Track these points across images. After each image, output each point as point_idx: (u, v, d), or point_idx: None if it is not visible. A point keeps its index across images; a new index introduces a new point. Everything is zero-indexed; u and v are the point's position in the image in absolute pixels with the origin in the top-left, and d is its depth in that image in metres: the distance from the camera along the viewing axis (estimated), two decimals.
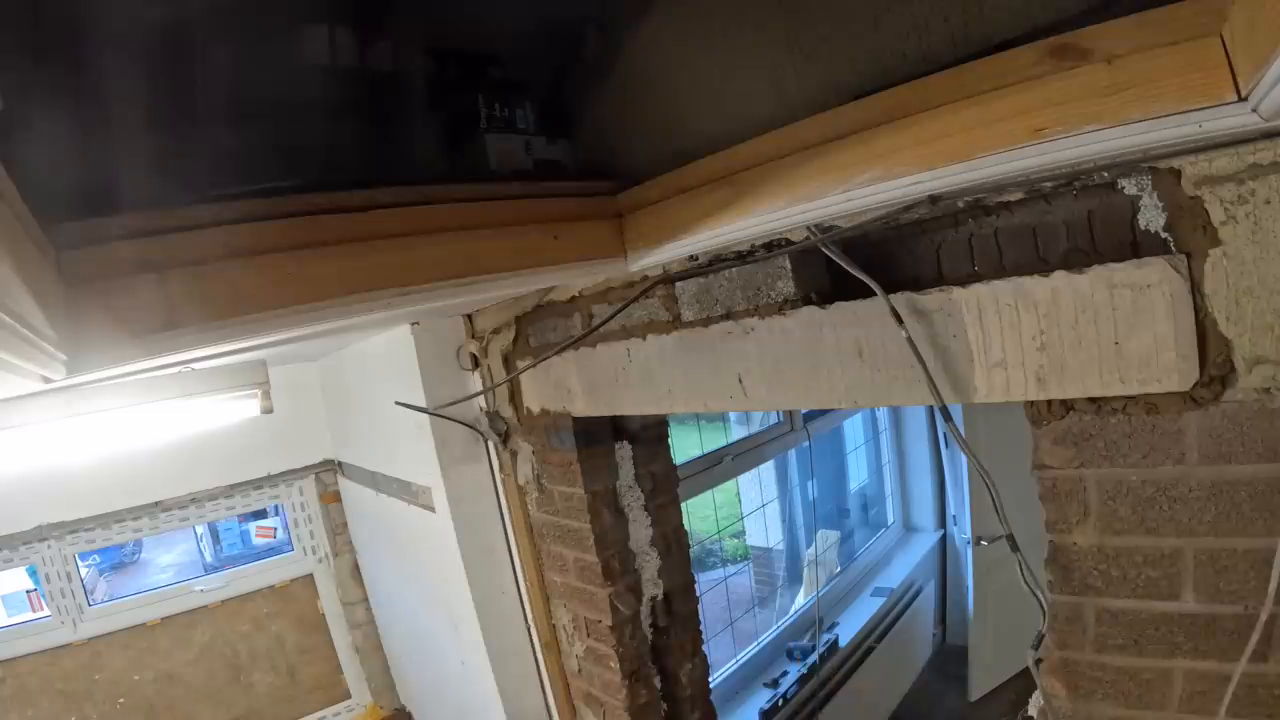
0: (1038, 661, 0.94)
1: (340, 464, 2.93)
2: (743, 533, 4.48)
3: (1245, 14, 0.52)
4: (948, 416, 0.90)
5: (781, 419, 3.26)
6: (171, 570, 6.90)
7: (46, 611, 2.51)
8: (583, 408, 1.56)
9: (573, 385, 1.55)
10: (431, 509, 1.95)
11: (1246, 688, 0.75)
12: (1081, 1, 0.70)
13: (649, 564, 1.74)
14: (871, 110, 0.80)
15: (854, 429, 4.26)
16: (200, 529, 6.70)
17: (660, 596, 1.76)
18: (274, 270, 0.82)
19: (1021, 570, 0.90)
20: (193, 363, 1.21)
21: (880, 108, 0.80)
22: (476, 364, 1.86)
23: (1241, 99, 0.56)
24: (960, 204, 0.89)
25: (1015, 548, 0.91)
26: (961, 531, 3.69)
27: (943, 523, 4.16)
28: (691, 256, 1.14)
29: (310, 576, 2.97)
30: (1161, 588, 0.81)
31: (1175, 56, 0.59)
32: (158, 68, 0.92)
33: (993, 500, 0.93)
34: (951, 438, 1.01)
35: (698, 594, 1.91)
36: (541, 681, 2.00)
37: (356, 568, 3.03)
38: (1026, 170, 0.73)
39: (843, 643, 3.25)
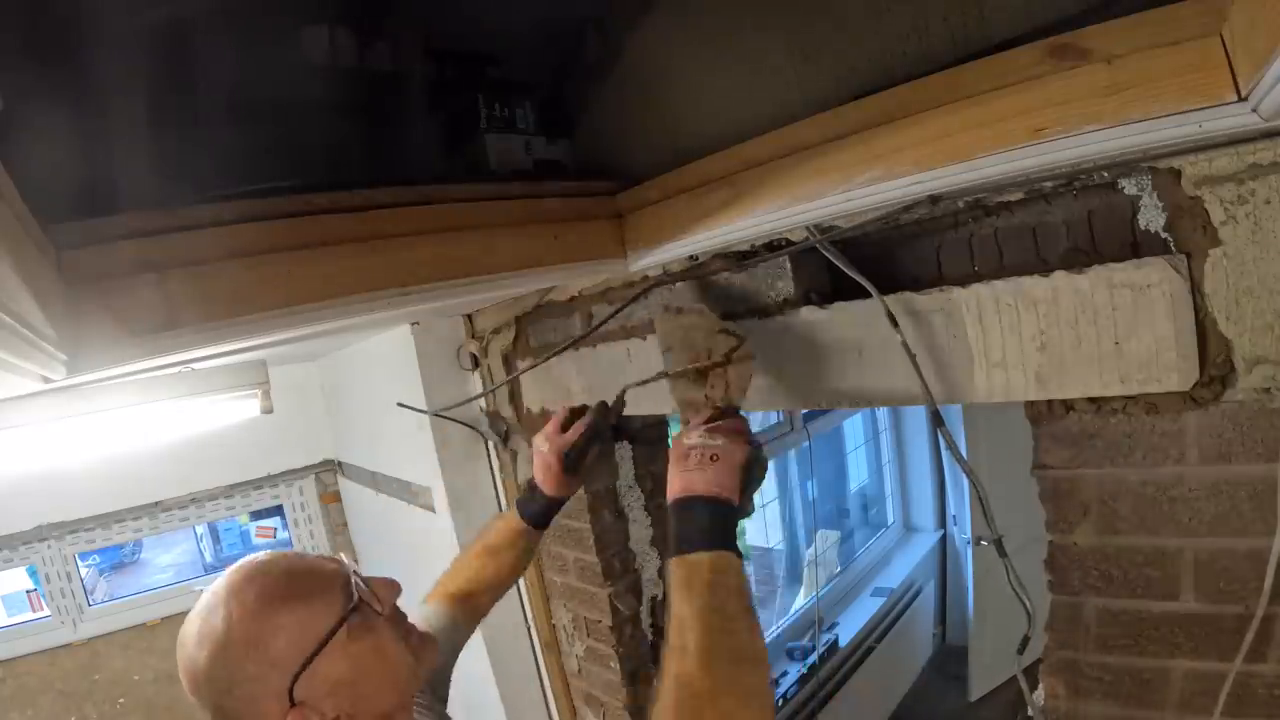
0: (1026, 668, 0.93)
1: (340, 464, 2.93)
2: (743, 533, 4.48)
3: (1245, 14, 0.52)
4: (940, 422, 0.90)
5: (781, 419, 3.26)
6: (171, 570, 6.89)
7: (46, 611, 2.52)
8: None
9: (573, 385, 1.55)
10: (431, 509, 1.95)
11: (1245, 687, 0.75)
12: (1081, 1, 0.70)
13: (649, 564, 1.74)
14: (871, 110, 0.80)
15: (854, 429, 4.26)
16: (200, 529, 6.70)
17: (661, 597, 1.76)
18: (274, 270, 0.82)
19: (1009, 575, 0.90)
20: (193, 363, 1.21)
21: (880, 108, 0.79)
22: (476, 364, 1.86)
23: (1241, 99, 0.56)
24: (960, 204, 0.89)
25: (1003, 553, 0.91)
26: (961, 531, 3.69)
27: (943, 523, 4.17)
28: (691, 256, 1.14)
29: None
30: (1161, 588, 0.81)
31: (1175, 56, 0.59)
32: (158, 67, 0.92)
33: (983, 507, 0.93)
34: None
35: None
36: (541, 681, 2.00)
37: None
38: (1026, 170, 0.73)
39: (843, 643, 3.25)
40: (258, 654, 0.65)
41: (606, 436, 1.17)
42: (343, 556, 0.79)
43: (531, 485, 1.17)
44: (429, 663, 0.78)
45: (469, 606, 1.12)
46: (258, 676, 0.65)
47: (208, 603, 0.68)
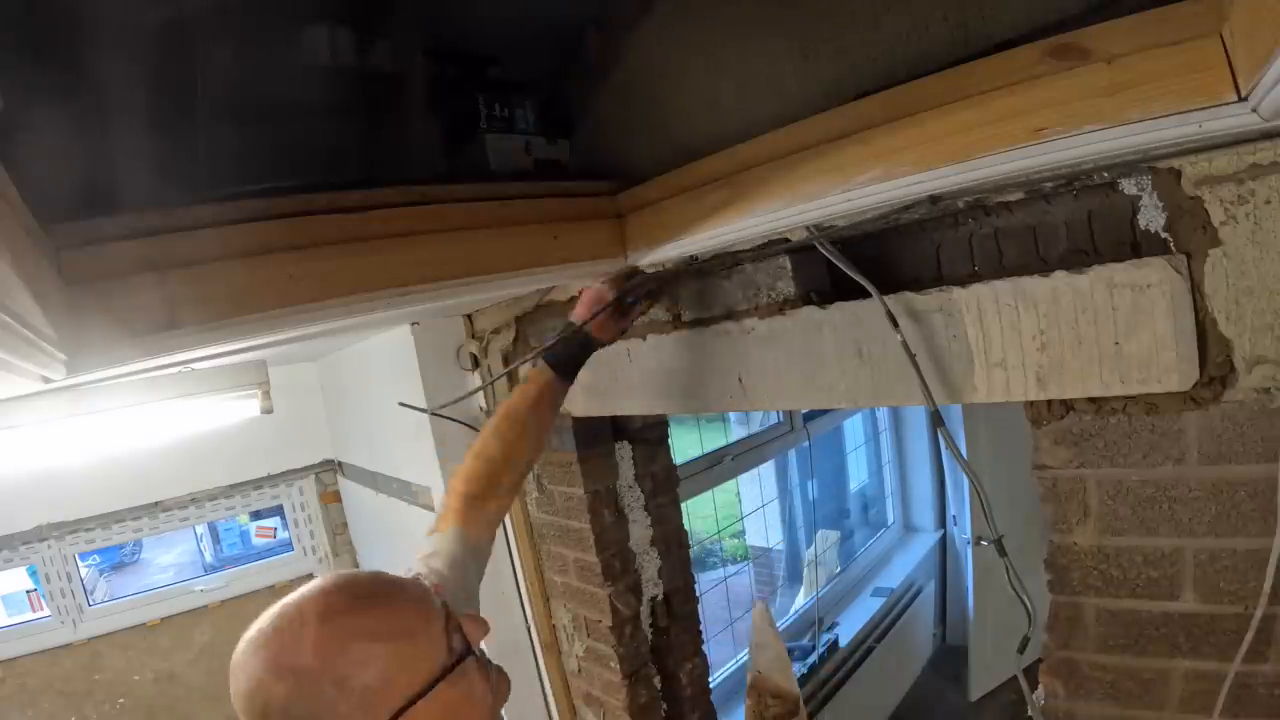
0: (1026, 668, 0.93)
1: (340, 464, 2.93)
2: (743, 533, 4.48)
3: (1245, 14, 0.52)
4: (940, 422, 0.90)
5: (781, 419, 3.26)
6: (171, 570, 6.90)
7: (46, 611, 2.51)
8: (582, 408, 1.56)
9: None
10: (431, 509, 1.95)
11: (1245, 687, 0.75)
12: (1082, 1, 0.70)
13: (649, 564, 1.74)
14: (871, 110, 0.80)
15: (854, 429, 4.26)
16: (200, 529, 6.70)
17: (660, 597, 1.76)
18: (274, 270, 0.82)
19: (1009, 575, 0.90)
20: (193, 363, 1.21)
21: (880, 108, 0.79)
22: (476, 364, 1.86)
23: (1241, 99, 0.56)
24: (960, 204, 0.89)
25: (1003, 552, 0.91)
26: (961, 531, 3.68)
27: (943, 523, 4.16)
28: (691, 256, 1.14)
29: (310, 577, 2.97)
30: (1161, 588, 0.81)
31: (1175, 56, 0.59)
32: (158, 67, 0.92)
33: (983, 507, 0.93)
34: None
35: (698, 594, 1.91)
36: (541, 682, 2.00)
37: (356, 568, 3.03)
38: (1026, 170, 0.73)
39: (843, 643, 3.25)
40: (351, 693, 0.59)
41: (654, 296, 1.27)
42: (423, 578, 0.73)
43: (570, 331, 1.12)
44: (505, 698, 0.74)
45: (490, 509, 1.02)
46: (348, 717, 0.59)
47: (287, 627, 0.61)
